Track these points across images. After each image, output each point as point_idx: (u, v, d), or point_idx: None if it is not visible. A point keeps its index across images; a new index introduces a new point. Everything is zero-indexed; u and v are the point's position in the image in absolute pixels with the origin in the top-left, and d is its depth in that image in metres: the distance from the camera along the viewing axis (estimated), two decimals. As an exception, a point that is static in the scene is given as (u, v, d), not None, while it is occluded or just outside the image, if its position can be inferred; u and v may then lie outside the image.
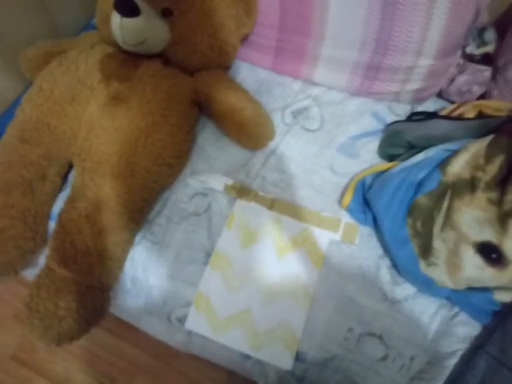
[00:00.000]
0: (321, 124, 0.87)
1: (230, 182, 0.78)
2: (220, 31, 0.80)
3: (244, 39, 0.89)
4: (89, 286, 0.67)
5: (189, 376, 1.06)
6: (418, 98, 0.87)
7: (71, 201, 0.71)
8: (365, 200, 0.75)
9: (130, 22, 0.72)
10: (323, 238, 0.73)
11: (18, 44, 0.94)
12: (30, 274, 0.76)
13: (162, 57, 0.81)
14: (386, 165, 0.78)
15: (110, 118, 0.74)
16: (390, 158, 0.81)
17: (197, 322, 0.69)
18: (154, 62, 0.80)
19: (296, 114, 0.88)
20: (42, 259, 0.73)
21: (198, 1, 0.77)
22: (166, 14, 0.76)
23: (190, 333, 0.71)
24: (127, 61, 0.80)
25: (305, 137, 0.85)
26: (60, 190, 0.79)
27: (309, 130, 0.86)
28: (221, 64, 0.87)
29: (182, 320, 0.70)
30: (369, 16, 0.77)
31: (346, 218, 0.75)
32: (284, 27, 0.84)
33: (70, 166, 0.79)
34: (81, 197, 0.70)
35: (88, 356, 1.08)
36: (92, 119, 0.75)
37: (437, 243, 0.66)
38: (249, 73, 0.95)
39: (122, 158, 0.71)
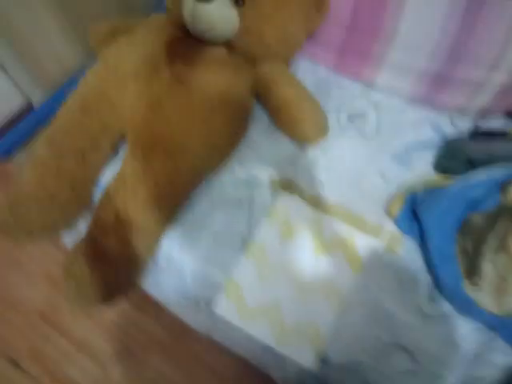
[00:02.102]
0: (377, 130, 0.84)
1: (276, 174, 0.77)
2: (289, 25, 0.80)
3: (310, 35, 0.88)
4: (125, 256, 0.68)
5: (203, 360, 1.07)
6: (485, 114, 0.83)
7: (121, 174, 0.73)
8: (413, 212, 0.72)
9: (202, 7, 0.73)
10: (364, 243, 0.71)
11: (89, 17, 0.99)
12: (68, 237, 0.80)
13: (228, 45, 0.82)
14: (440, 179, 0.75)
15: (170, 98, 0.75)
16: (446, 171, 0.77)
17: (225, 308, 0.69)
18: (219, 48, 0.81)
19: (353, 118, 0.86)
20: (81, 224, 0.76)
21: None
22: (238, 2, 0.76)
23: (215, 318, 0.71)
24: (193, 45, 0.81)
25: (359, 141, 0.83)
26: (109, 159, 0.81)
27: (364, 134, 0.84)
28: (284, 57, 0.87)
29: (209, 304, 0.71)
30: (449, 18, 0.73)
31: (390, 227, 0.72)
32: (353, 26, 0.83)
33: (123, 139, 0.81)
34: (130, 172, 0.72)
35: (109, 325, 1.12)
36: (152, 97, 0.76)
37: (485, 265, 0.62)
38: (309, 69, 0.94)
39: (176, 138, 0.73)
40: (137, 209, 0.69)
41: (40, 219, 0.71)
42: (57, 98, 0.86)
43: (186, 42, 0.82)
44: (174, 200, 0.73)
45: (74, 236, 0.79)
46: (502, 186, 0.65)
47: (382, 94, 0.89)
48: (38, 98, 1.11)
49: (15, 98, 1.32)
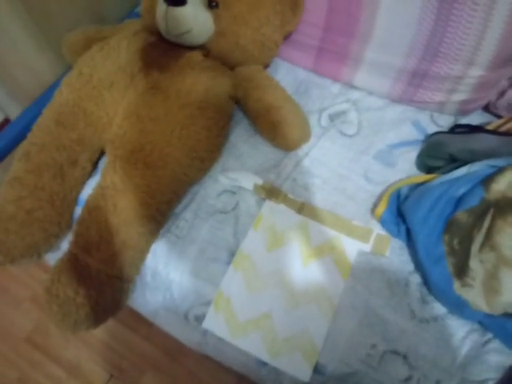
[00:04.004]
0: (358, 129, 0.84)
1: (260, 181, 0.76)
2: (264, 26, 0.79)
3: (286, 37, 0.87)
4: (110, 275, 0.66)
5: (198, 376, 1.05)
6: (464, 109, 0.83)
7: (100, 188, 0.71)
8: (399, 212, 0.72)
9: (175, 10, 0.72)
10: (352, 247, 0.70)
11: (62, 27, 0.95)
12: (52, 258, 0.76)
13: (204, 49, 0.81)
14: (423, 176, 0.74)
15: (148, 106, 0.74)
16: (429, 169, 0.77)
17: (215, 322, 0.67)
18: (195, 53, 0.80)
19: (333, 118, 0.85)
20: (65, 244, 0.73)
21: None
22: (212, 5, 0.75)
23: (205, 333, 0.69)
24: (168, 51, 0.80)
25: (341, 141, 0.82)
26: (90, 176, 0.79)
27: (345, 134, 0.83)
28: (262, 60, 0.86)
29: (199, 319, 0.69)
30: (422, 17, 0.73)
31: (377, 229, 0.72)
32: (329, 27, 0.82)
33: (102, 153, 0.79)
34: (110, 185, 0.69)
35: (100, 346, 1.09)
36: (129, 107, 0.74)
37: (474, 264, 0.62)
38: (288, 72, 0.93)
39: (155, 147, 0.71)
40: (119, 224, 0.67)
41: (19, 240, 0.68)
42: (33, 112, 0.84)
43: (161, 48, 0.80)
44: (157, 213, 0.71)
45: (57, 256, 0.76)
46: (484, 182, 0.66)
47: (361, 93, 0.89)
48: (15, 112, 1.07)
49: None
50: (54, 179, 0.71)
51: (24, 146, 0.74)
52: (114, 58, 0.78)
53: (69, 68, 0.86)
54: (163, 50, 0.80)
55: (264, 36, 0.80)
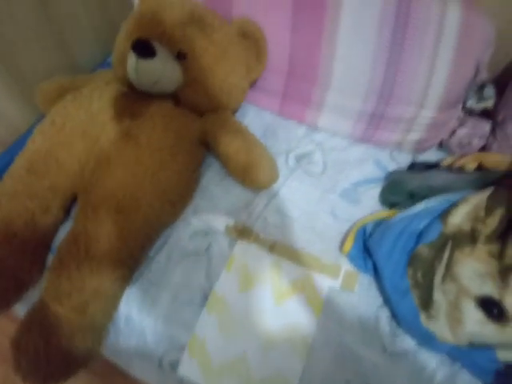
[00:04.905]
0: (323, 169, 0.88)
1: (231, 222, 0.78)
2: (231, 76, 0.83)
3: (253, 83, 0.92)
4: (81, 324, 0.64)
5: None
6: (420, 148, 0.89)
7: (72, 234, 0.70)
8: (365, 247, 0.74)
9: (145, 63, 0.75)
10: (323, 284, 0.72)
11: (34, 77, 0.98)
12: (19, 308, 0.74)
13: (174, 97, 0.84)
14: (386, 212, 0.78)
15: (119, 153, 0.75)
16: (392, 205, 0.81)
17: (190, 369, 0.66)
18: (165, 101, 0.83)
19: (299, 158, 0.90)
20: (33, 293, 0.72)
21: (211, 46, 0.80)
22: (180, 56, 0.79)
23: (181, 380, 0.68)
24: (139, 99, 0.82)
25: (307, 181, 0.86)
26: (62, 223, 0.78)
27: (311, 174, 0.87)
28: (229, 106, 0.90)
29: (174, 365, 0.68)
30: (375, 62, 0.80)
31: (346, 265, 0.74)
32: (291, 74, 0.88)
33: (74, 200, 0.79)
34: (82, 231, 0.69)
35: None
36: (101, 154, 0.76)
37: (437, 295, 0.65)
38: (255, 115, 0.97)
39: (127, 193, 0.72)
40: (91, 271, 0.66)
41: None
42: (4, 159, 0.84)
43: (133, 97, 0.83)
44: (129, 258, 0.71)
45: (26, 306, 0.74)
46: (441, 216, 0.70)
47: (325, 135, 0.94)
48: None
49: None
50: (25, 227, 0.71)
51: None
52: (87, 107, 0.80)
53: (41, 116, 0.87)
54: (134, 99, 0.82)
55: (231, 84, 0.84)
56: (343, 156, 0.90)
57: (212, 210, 0.81)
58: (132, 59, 0.76)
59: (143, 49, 0.74)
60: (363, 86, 0.82)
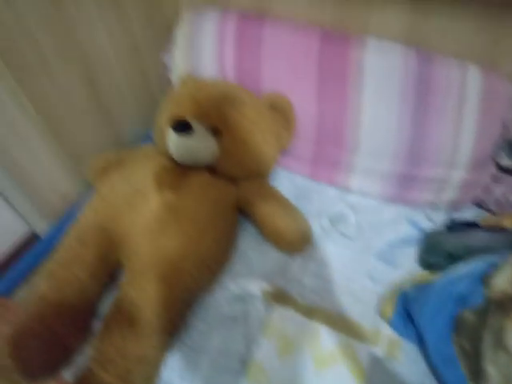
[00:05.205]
0: (358, 230, 0.89)
1: (268, 287, 0.79)
2: (263, 146, 0.89)
3: (283, 150, 0.97)
4: None
5: None
6: (455, 206, 0.89)
7: (117, 302, 0.73)
8: (407, 312, 0.72)
9: (184, 139, 0.82)
10: (364, 352, 0.70)
11: (85, 150, 1.09)
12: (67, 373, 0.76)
13: (210, 167, 0.90)
14: (426, 275, 0.77)
15: (161, 224, 0.79)
16: (430, 266, 0.80)
17: None
18: (202, 172, 0.89)
19: (333, 220, 0.91)
20: (81, 359, 0.74)
21: (243, 120, 0.87)
22: (216, 131, 0.86)
23: None
24: (179, 171, 0.88)
25: (342, 243, 0.87)
26: (108, 289, 0.82)
27: (346, 236, 0.88)
28: (262, 174, 0.95)
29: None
30: (400, 126, 0.83)
31: (386, 330, 0.72)
32: (320, 141, 0.93)
33: (120, 267, 0.83)
34: (126, 298, 0.72)
35: None
36: (144, 225, 0.80)
37: (488, 367, 0.61)
38: (287, 179, 1.01)
39: (170, 263, 0.75)
40: (136, 338, 0.68)
41: (40, 357, 0.69)
42: (58, 230, 0.91)
43: (173, 170, 0.89)
44: (170, 325, 0.72)
45: (73, 371, 0.76)
46: (484, 280, 0.67)
47: (357, 197, 0.96)
48: (42, 227, 1.15)
49: (19, 228, 1.36)
50: (74, 295, 0.75)
51: (49, 264, 0.79)
52: (132, 183, 0.87)
53: (89, 186, 0.97)
54: (174, 171, 0.88)
55: (263, 154, 0.90)
56: (377, 217, 0.91)
57: (249, 275, 0.82)
58: (172, 136, 0.83)
59: (182, 127, 0.82)
60: (390, 149, 0.85)
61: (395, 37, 0.86)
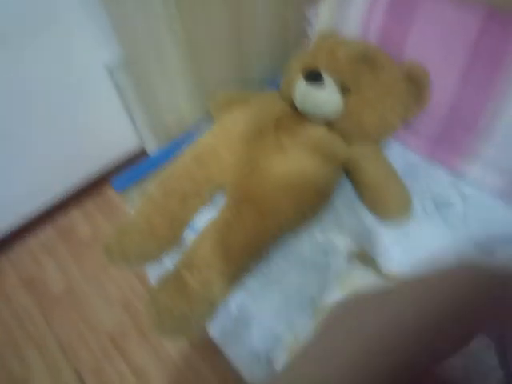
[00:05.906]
0: (463, 221, 0.84)
1: (354, 245, 0.80)
2: (388, 113, 0.87)
3: (406, 123, 0.94)
4: (203, 297, 0.73)
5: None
6: None
7: (215, 221, 0.81)
8: None
9: (313, 90, 0.84)
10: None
11: (211, 83, 1.17)
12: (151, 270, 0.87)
13: (329, 124, 0.91)
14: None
15: (269, 163, 0.84)
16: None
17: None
18: (320, 126, 0.90)
19: (439, 206, 0.87)
20: (166, 261, 0.84)
21: (376, 84, 0.85)
22: (344, 89, 0.85)
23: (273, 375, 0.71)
24: (298, 119, 0.91)
25: (442, 228, 0.83)
26: (206, 207, 0.90)
27: (449, 223, 0.84)
28: (377, 140, 0.94)
29: (269, 360, 0.72)
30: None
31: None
32: (449, 121, 0.88)
33: (221, 191, 0.90)
34: (223, 221, 0.79)
35: (168, 360, 1.18)
36: (253, 159, 0.86)
37: None
38: (400, 154, 0.99)
39: (267, 200, 0.79)
40: (225, 255, 0.75)
41: (139, 249, 0.81)
42: (171, 149, 1.02)
43: (293, 117, 0.92)
44: (257, 252, 0.79)
45: (157, 269, 0.87)
46: None
47: (471, 187, 0.90)
48: (152, 145, 1.29)
49: (133, 141, 1.55)
50: (178, 206, 0.84)
51: (162, 174, 0.89)
52: (253, 119, 0.92)
53: (204, 119, 1.05)
54: (294, 118, 0.92)
55: (386, 121, 0.88)
56: (488, 213, 0.85)
57: (336, 229, 0.84)
58: (301, 86, 0.86)
59: (314, 77, 0.84)
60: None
61: None
